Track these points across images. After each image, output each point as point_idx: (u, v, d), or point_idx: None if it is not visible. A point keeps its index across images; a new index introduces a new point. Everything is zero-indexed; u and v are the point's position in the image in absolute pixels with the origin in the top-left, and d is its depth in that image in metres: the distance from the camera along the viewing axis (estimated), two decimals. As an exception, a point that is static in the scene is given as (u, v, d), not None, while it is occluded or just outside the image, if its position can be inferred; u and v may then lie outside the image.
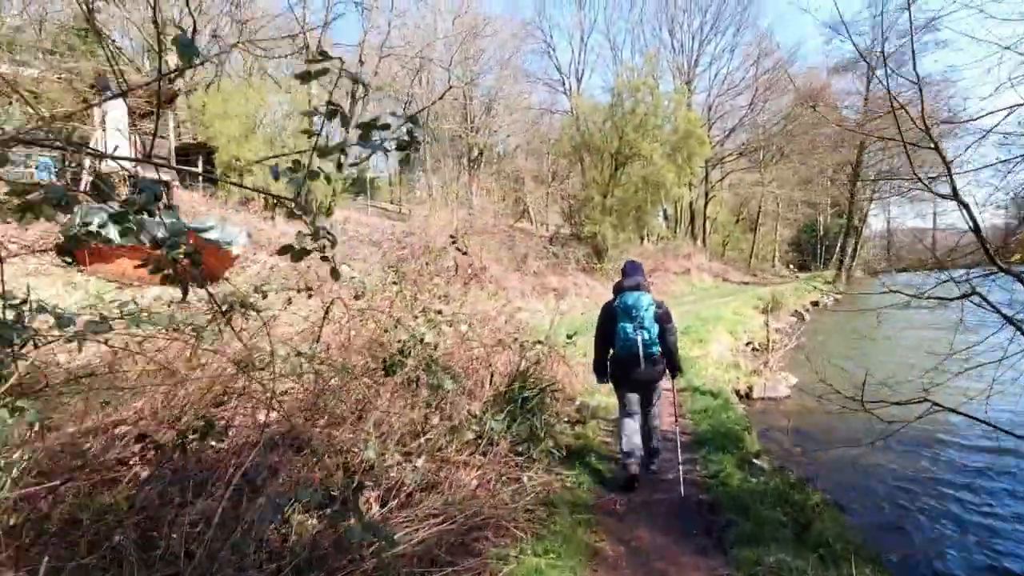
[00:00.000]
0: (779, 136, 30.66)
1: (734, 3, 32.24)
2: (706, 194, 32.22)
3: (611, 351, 4.03)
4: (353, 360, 3.81)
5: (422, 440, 3.36)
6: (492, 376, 4.66)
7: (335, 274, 1.50)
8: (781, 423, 6.60)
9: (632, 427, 3.98)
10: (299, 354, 2.92)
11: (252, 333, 3.17)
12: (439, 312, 4.63)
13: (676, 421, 4.44)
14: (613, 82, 23.25)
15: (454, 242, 6.73)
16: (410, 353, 3.82)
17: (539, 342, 4.96)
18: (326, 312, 3.79)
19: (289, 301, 4.01)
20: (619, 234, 20.80)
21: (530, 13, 54.09)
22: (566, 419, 5.31)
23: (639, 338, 3.78)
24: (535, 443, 4.13)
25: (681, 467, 3.99)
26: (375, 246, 15.94)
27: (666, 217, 31.10)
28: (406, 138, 1.29)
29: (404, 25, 25.83)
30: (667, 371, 4.08)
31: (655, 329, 3.84)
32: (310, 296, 3.95)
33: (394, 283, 5.05)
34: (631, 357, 3.82)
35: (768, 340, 8.40)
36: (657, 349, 3.87)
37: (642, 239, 25.04)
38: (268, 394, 2.36)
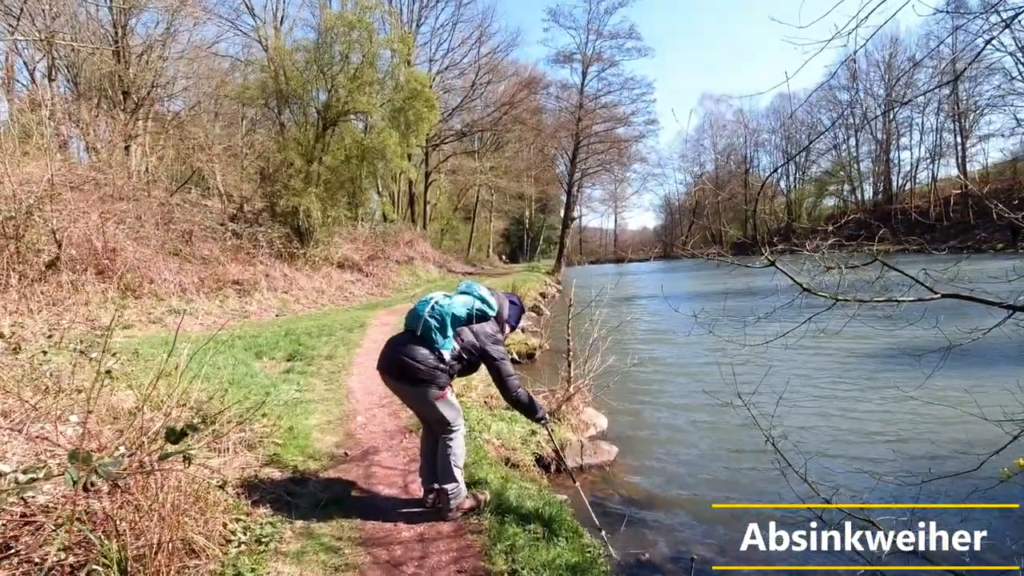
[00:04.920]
0: (496, 123, 29.98)
1: (454, -29, 30.12)
2: (427, 176, 29.61)
3: None
4: None
5: None
6: None
7: None
8: (637, 539, 3.61)
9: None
10: None
11: None
12: None
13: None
14: (320, 18, 18.09)
15: None
16: None
17: None
18: None
19: None
20: (329, 211, 16.13)
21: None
22: None
23: None
24: None
25: None
26: None
27: (380, 196, 27.29)
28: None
29: None
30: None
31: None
32: None
33: None
34: None
35: (569, 369, 5.38)
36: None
37: (357, 220, 20.71)
38: None
